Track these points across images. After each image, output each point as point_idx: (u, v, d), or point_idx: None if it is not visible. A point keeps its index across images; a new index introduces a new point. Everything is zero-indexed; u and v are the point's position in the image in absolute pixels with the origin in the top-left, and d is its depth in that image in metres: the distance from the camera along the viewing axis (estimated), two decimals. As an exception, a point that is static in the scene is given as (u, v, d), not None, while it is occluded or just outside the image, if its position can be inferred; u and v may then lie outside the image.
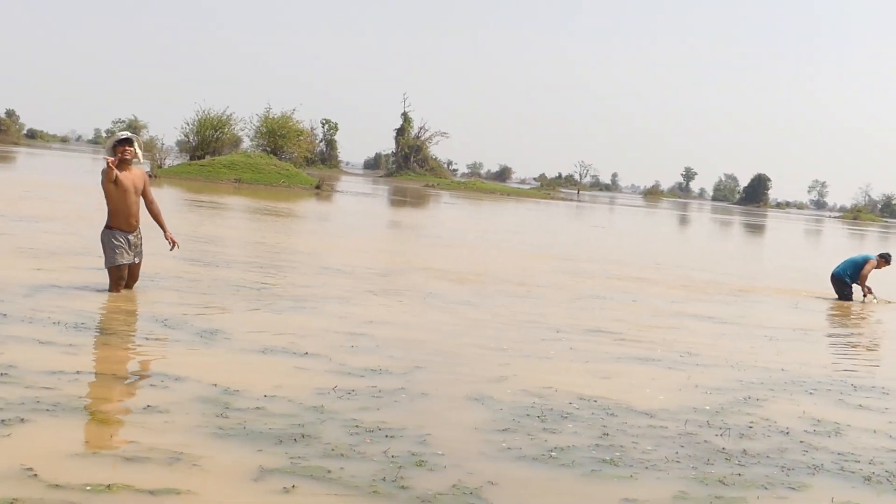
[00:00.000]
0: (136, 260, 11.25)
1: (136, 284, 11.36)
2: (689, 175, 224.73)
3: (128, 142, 11.11)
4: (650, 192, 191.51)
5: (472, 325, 11.32)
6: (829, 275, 18.74)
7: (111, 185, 10.94)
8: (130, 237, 11.11)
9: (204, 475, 5.24)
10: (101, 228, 11.21)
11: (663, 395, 8.36)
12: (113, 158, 10.89)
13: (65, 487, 4.81)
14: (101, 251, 11.16)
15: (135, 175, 11.17)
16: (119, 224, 11.07)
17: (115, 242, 11.00)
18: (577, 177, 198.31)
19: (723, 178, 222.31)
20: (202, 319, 9.92)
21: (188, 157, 65.96)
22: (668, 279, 19.95)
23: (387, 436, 6.28)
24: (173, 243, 11.58)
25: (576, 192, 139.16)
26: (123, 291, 11.04)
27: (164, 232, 11.51)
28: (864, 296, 18.19)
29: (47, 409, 6.17)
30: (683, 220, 74.21)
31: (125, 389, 7.00)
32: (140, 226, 11.30)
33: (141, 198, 11.29)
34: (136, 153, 11.18)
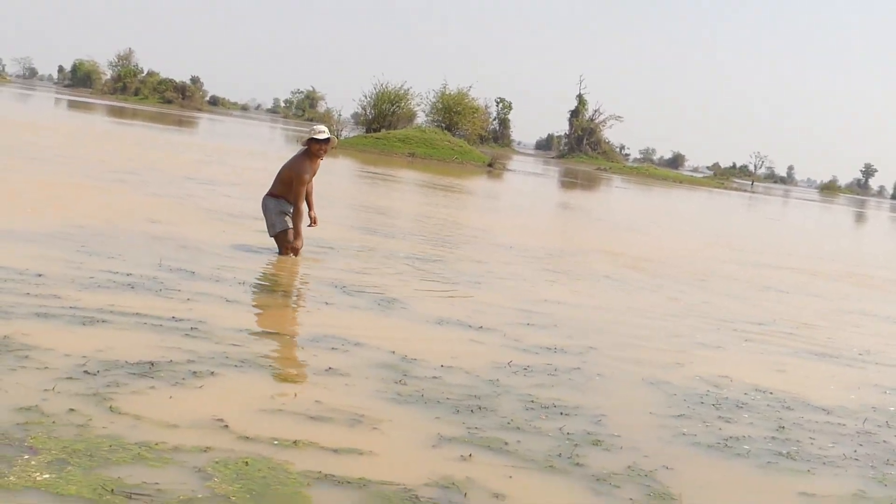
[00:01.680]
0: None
1: (307, 250, 11.68)
2: (868, 171, 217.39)
3: (327, 141, 11.39)
4: (827, 187, 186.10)
5: (647, 309, 11.25)
6: None
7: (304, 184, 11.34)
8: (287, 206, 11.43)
9: (384, 438, 5.37)
10: (264, 196, 11.54)
11: (841, 392, 8.19)
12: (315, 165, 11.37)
13: (254, 440, 4.99)
14: (268, 218, 11.44)
15: (318, 167, 11.57)
16: (285, 195, 11.38)
17: (280, 208, 11.34)
18: (751, 167, 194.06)
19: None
20: (379, 288, 10.11)
21: (364, 130, 67.11)
22: (846, 276, 19.43)
23: (562, 413, 6.31)
24: (314, 221, 11.77)
25: (750, 183, 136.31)
26: (298, 258, 11.33)
27: (311, 210, 11.71)
28: None
29: (235, 365, 6.40)
30: (862, 218, 71.99)
31: (307, 351, 7.19)
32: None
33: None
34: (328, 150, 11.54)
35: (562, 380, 7.24)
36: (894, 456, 6.42)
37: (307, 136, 11.37)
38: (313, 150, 11.33)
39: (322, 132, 11.40)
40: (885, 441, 6.76)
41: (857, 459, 6.22)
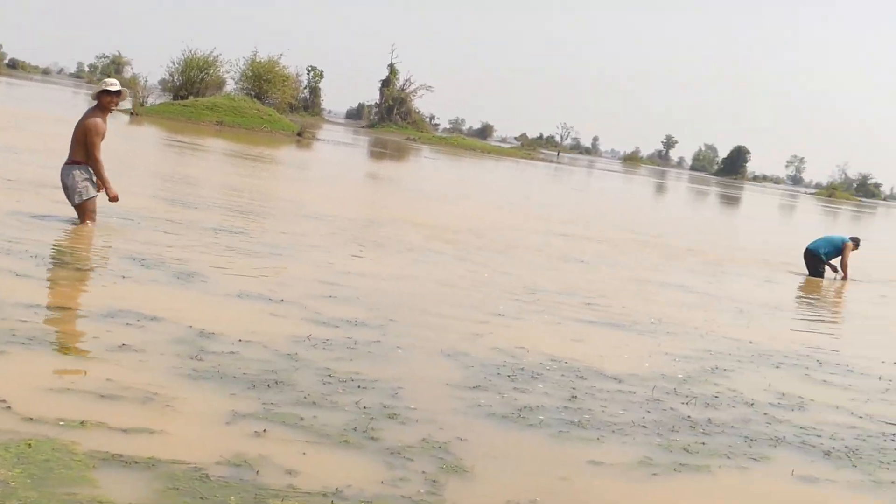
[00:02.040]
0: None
1: (107, 221, 11.41)
2: (669, 143, 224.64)
3: (118, 93, 11.13)
4: (629, 157, 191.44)
5: (449, 280, 11.38)
6: (803, 250, 18.83)
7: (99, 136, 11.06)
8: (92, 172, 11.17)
9: (177, 416, 5.29)
10: (64, 164, 11.23)
11: (633, 360, 8.46)
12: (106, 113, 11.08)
13: (38, 421, 4.84)
14: (71, 186, 11.12)
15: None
16: (85, 160, 11.11)
17: (86, 175, 11.06)
18: (557, 138, 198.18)
19: (702, 148, 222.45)
20: (179, 261, 9.92)
21: (171, 97, 65.59)
22: (644, 246, 20.04)
23: (359, 387, 6.34)
24: (113, 197, 11.46)
25: (556, 153, 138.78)
26: (96, 228, 11.04)
27: (106, 186, 11.41)
28: (843, 276, 18.27)
29: (22, 343, 6.19)
30: (661, 188, 74.39)
31: (101, 326, 7.00)
32: None
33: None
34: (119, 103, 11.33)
35: (361, 353, 7.26)
36: (680, 422, 6.67)
37: (98, 89, 11.11)
38: (104, 102, 11.08)
39: (114, 84, 11.18)
40: (672, 408, 7.02)
41: (644, 426, 6.44)
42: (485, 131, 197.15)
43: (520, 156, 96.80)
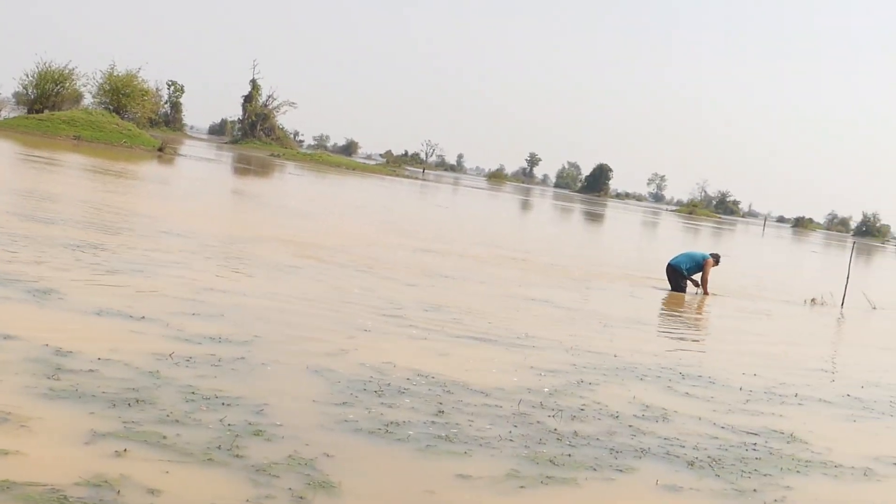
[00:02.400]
0: None
1: None
2: (533, 161, 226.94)
3: None
4: (494, 175, 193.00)
5: (315, 297, 11.28)
6: (665, 266, 19.23)
7: None
8: None
9: (33, 437, 5.12)
10: None
11: (499, 374, 8.49)
12: None
13: None
14: None
15: None
16: None
17: None
18: (423, 155, 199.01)
19: (566, 166, 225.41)
20: (35, 278, 9.63)
21: (26, 111, 63.84)
22: (509, 262, 20.20)
23: (224, 404, 6.22)
24: None
25: (421, 170, 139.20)
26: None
27: None
28: (704, 292, 18.72)
29: None
30: (527, 205, 75.20)
31: (-48, 346, 6.75)
32: None
33: None
34: None
35: (225, 370, 7.14)
36: (546, 435, 6.71)
37: None
38: None
39: None
40: (538, 421, 7.05)
41: (511, 440, 6.46)
42: (350, 148, 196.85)
43: (385, 172, 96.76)
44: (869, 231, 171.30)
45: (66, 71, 64.86)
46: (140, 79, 70.76)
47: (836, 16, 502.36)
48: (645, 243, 44.00)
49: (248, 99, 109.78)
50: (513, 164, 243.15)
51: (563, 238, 36.99)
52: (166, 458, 5.07)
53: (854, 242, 30.98)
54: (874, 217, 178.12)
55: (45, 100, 63.20)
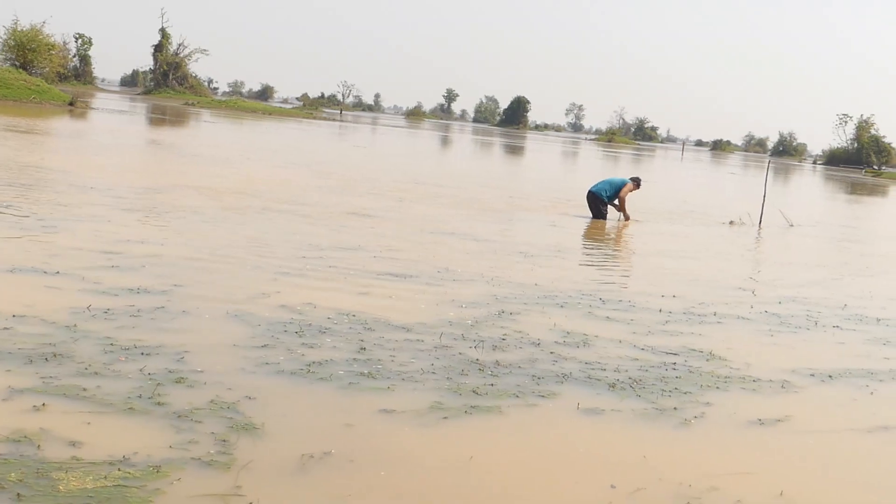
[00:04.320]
0: None
1: None
2: (450, 96, 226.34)
3: None
4: (412, 112, 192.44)
5: (233, 243, 11.21)
6: (587, 193, 19.37)
7: None
8: None
9: (-52, 397, 5.07)
10: None
11: (420, 309, 8.53)
12: None
13: None
14: None
15: None
16: None
17: None
18: (340, 97, 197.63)
19: (484, 100, 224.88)
20: (-54, 239, 9.47)
21: (-76, 70, 62.25)
22: (429, 198, 20.19)
23: (143, 353, 6.20)
24: None
25: (338, 112, 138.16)
26: None
27: None
28: (625, 216, 18.95)
29: None
30: (445, 141, 75.08)
31: None
32: None
33: None
34: None
35: (144, 320, 7.09)
36: (468, 366, 6.78)
37: None
38: None
39: None
40: (460, 353, 7.12)
41: (434, 373, 6.53)
42: (265, 93, 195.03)
43: (302, 116, 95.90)
44: (786, 150, 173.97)
45: (-33, 28, 63.35)
46: (45, 33, 69.36)
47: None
48: (565, 173, 44.20)
49: (159, 48, 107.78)
50: (431, 102, 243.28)
51: (483, 171, 37.00)
52: (86, 410, 5.05)
53: (769, 162, 31.40)
54: (791, 136, 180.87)
55: (-54, 58, 61.72)
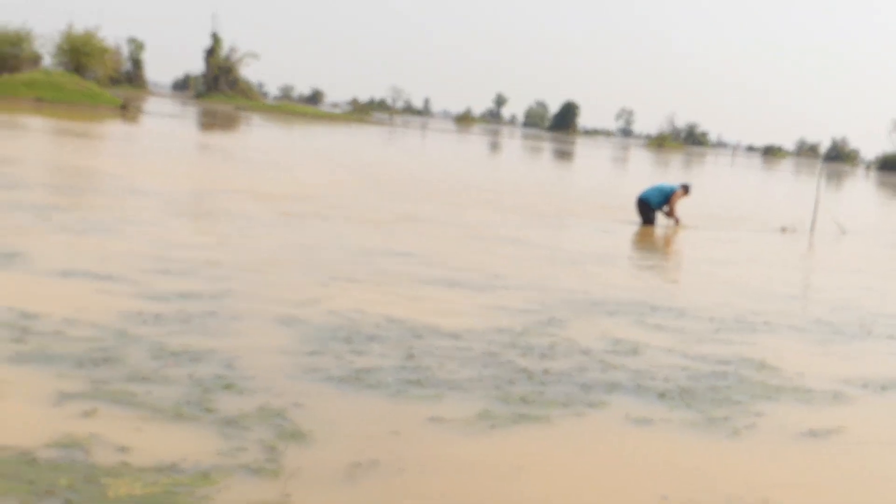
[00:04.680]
0: None
1: None
2: (500, 101, 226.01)
3: None
4: (462, 117, 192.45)
5: (285, 247, 11.25)
6: (636, 199, 19.26)
7: None
8: None
9: (1, 400, 5.10)
10: None
11: (469, 316, 8.50)
12: None
13: None
14: None
15: None
16: None
17: None
18: (389, 101, 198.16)
19: (534, 105, 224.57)
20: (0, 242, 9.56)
21: (-17, 76, 63.17)
22: (479, 204, 20.17)
23: (193, 359, 6.22)
24: None
25: (388, 116, 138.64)
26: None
27: None
28: (675, 223, 18.84)
29: None
30: (495, 146, 75.03)
31: (-84, 314, 6.71)
32: None
33: None
34: None
35: (194, 326, 7.12)
36: (517, 374, 6.74)
37: None
38: None
39: None
40: (508, 361, 7.08)
41: (481, 381, 6.49)
42: (316, 97, 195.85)
43: (352, 120, 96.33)
44: (838, 156, 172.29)
45: (23, 32, 64.20)
46: (99, 37, 70.20)
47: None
48: (615, 178, 44.00)
49: (210, 52, 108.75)
50: (480, 106, 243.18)
51: (534, 177, 36.94)
52: (136, 416, 5.07)
53: (821, 168, 31.08)
54: (843, 142, 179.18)
55: (3, 63, 62.56)
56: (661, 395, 6.61)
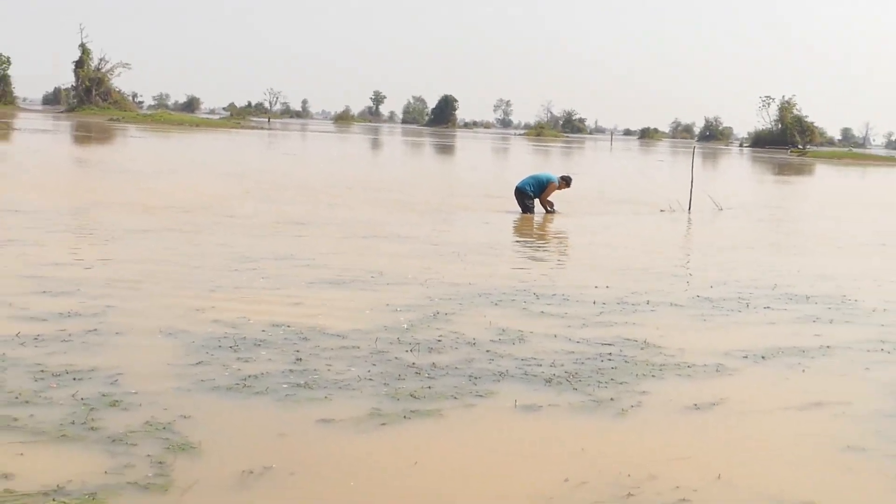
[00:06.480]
0: None
1: None
2: (378, 99, 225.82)
3: None
4: (341, 117, 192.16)
5: (165, 260, 11.10)
6: (514, 189, 19.45)
7: None
8: None
9: None
10: None
11: (355, 316, 8.50)
12: None
13: None
14: None
15: None
16: None
17: None
18: (267, 105, 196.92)
19: (411, 101, 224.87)
20: None
21: None
22: (359, 202, 20.14)
23: (76, 378, 6.13)
24: None
25: (266, 120, 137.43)
26: None
27: None
28: (550, 210, 19.09)
29: None
30: (375, 143, 74.95)
31: None
32: None
33: None
34: None
35: (75, 344, 7.00)
36: (405, 370, 6.78)
37: None
38: None
39: None
40: (396, 357, 7.12)
41: (371, 379, 6.51)
42: (192, 104, 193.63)
43: (230, 126, 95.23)
44: (713, 135, 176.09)
45: None
46: (-38, 55, 68.42)
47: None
48: (495, 169, 44.27)
49: (80, 64, 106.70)
50: (358, 105, 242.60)
51: (413, 172, 37.02)
52: (18, 440, 4.98)
53: (695, 147, 31.75)
54: (716, 121, 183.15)
55: None
56: (548, 381, 6.71)
